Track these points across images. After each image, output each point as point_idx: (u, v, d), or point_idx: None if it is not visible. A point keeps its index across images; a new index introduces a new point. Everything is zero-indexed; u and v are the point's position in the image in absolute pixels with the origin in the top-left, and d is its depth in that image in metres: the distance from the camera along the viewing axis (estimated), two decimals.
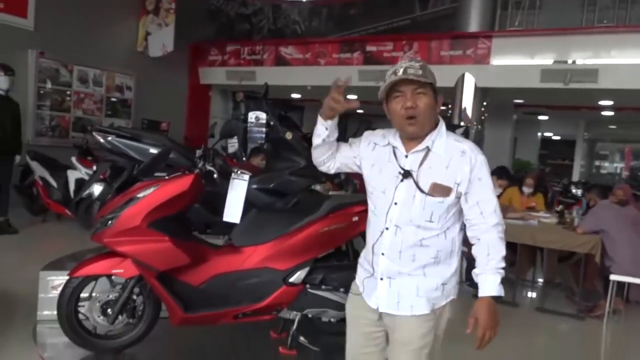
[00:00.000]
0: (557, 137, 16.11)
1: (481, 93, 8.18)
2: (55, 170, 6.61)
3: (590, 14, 8.33)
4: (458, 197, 1.77)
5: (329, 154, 2.01)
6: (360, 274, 1.96)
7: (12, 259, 5.30)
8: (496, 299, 1.79)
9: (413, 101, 1.72)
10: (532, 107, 10.95)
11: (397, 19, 10.82)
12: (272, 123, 4.42)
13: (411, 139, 1.80)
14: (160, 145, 3.46)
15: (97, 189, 5.28)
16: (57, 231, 6.67)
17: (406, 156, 1.80)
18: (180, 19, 9.39)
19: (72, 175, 6.50)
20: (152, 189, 2.80)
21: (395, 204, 1.78)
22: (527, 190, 6.14)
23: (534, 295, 5.64)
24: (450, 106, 8.39)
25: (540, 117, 12.91)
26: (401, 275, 1.82)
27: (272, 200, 3.42)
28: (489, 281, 1.78)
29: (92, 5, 8.69)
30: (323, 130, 1.92)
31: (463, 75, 8.09)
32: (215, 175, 3.01)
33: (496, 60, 7.95)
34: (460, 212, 1.84)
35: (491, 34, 8.10)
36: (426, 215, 1.76)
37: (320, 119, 1.91)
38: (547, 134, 15.48)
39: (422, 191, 1.75)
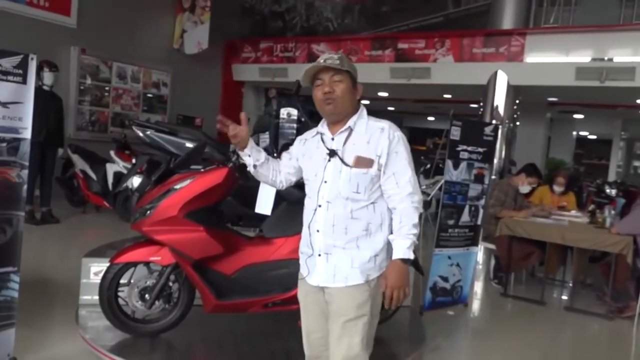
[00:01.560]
0: (593, 136, 15.73)
1: (514, 91, 8.11)
2: (95, 164, 6.88)
3: (629, 10, 8.13)
4: (379, 170, 1.94)
5: (273, 173, 2.19)
6: (301, 258, 2.09)
7: (55, 247, 5.57)
8: (406, 261, 1.91)
9: (330, 86, 1.93)
10: (567, 105, 10.76)
11: (430, 16, 10.76)
12: (303, 119, 4.53)
13: (335, 123, 2.01)
14: (196, 140, 3.61)
15: (135, 181, 5.50)
16: (96, 222, 6.94)
17: (332, 139, 2.00)
18: (215, 16, 9.59)
19: (111, 169, 6.77)
20: (188, 181, 2.93)
21: (325, 182, 1.96)
22: (558, 189, 6.08)
23: (564, 295, 5.59)
24: (482, 104, 8.35)
25: (576, 116, 12.66)
26: (336, 249, 1.96)
27: (302, 195, 3.52)
28: (399, 245, 1.92)
29: (131, 4, 8.98)
30: (247, 158, 2.13)
31: (495, 72, 8.04)
32: (247, 169, 3.12)
33: (530, 58, 7.85)
34: None
35: (525, 31, 8.01)
36: (353, 186, 1.93)
37: (239, 152, 2.13)
38: (582, 133, 15.14)
39: (346, 165, 1.93)
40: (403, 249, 1.91)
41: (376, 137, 1.95)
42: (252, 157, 2.12)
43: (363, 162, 1.92)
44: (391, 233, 1.98)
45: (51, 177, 6.59)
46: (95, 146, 7.42)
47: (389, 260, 1.98)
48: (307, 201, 2.08)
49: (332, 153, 1.96)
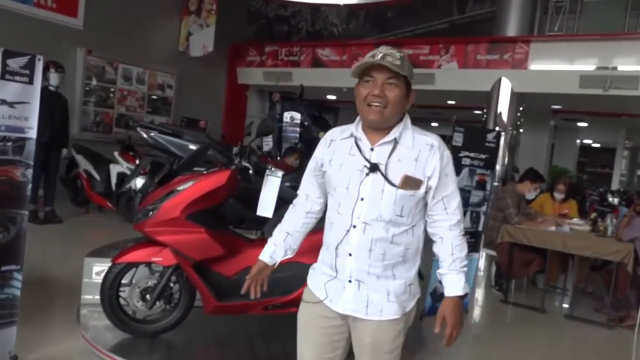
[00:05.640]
0: (597, 145, 15.72)
1: (517, 98, 8.12)
2: (99, 164, 6.91)
3: (634, 19, 8.15)
4: (426, 191, 1.72)
5: (306, 221, 1.97)
6: (319, 278, 1.84)
7: (58, 246, 5.60)
8: (463, 297, 1.80)
9: (381, 90, 1.65)
10: (571, 113, 10.76)
11: (435, 22, 10.81)
12: (306, 123, 4.57)
13: (375, 131, 1.72)
14: (199, 142, 3.64)
15: (138, 182, 5.54)
16: (99, 222, 6.95)
17: (372, 149, 1.72)
18: (220, 19, 9.64)
19: (114, 169, 6.80)
20: (191, 183, 2.96)
21: (362, 199, 1.70)
22: (559, 196, 6.07)
23: (565, 303, 5.58)
24: (485, 110, 8.36)
25: (580, 124, 12.65)
26: (370, 277, 1.74)
27: None
28: (455, 281, 1.77)
29: (138, 6, 9.03)
30: (283, 253, 2.00)
31: (499, 79, 8.05)
32: (250, 172, 3.15)
33: (534, 65, 7.87)
34: (425, 207, 1.80)
35: (529, 38, 8.03)
36: (397, 209, 1.69)
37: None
38: (586, 141, 15.12)
39: (392, 184, 1.67)
40: (461, 285, 1.76)
41: (425, 154, 1.70)
42: (285, 252, 1.98)
43: (412, 183, 1.68)
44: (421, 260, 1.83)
45: (55, 177, 6.62)
46: (99, 147, 7.45)
47: (419, 288, 1.87)
48: (334, 217, 1.77)
49: (374, 167, 1.68)
